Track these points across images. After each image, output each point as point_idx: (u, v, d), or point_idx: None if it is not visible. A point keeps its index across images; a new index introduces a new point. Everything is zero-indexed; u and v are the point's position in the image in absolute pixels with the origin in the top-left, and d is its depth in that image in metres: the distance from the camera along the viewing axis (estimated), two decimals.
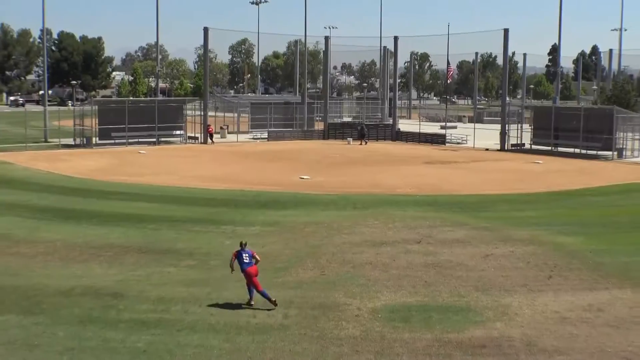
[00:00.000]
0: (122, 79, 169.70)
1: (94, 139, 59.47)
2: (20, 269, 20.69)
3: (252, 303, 17.48)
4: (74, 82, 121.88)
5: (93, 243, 24.00)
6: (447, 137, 67.85)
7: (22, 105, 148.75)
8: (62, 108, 79.64)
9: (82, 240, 24.36)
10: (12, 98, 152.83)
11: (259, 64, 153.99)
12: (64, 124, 62.07)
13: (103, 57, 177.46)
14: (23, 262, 21.45)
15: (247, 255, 17.55)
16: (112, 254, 22.60)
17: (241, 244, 17.85)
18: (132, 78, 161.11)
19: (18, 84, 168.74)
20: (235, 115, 76.24)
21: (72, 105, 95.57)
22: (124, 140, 60.57)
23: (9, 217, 28.85)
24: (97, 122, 60.12)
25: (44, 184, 38.63)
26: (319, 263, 21.68)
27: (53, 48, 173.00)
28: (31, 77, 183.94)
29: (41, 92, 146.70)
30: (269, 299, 17.42)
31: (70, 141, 61.78)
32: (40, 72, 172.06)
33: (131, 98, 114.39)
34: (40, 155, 52.74)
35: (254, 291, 17.49)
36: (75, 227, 26.81)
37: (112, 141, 60.39)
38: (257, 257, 17.77)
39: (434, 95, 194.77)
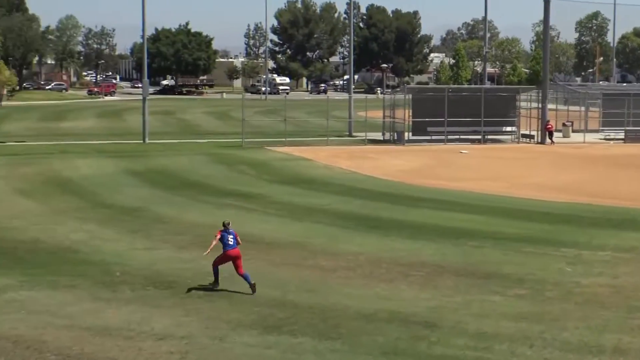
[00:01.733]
0: (441, 62, 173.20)
1: (406, 134, 61.35)
2: (317, 284, 21.92)
3: (218, 285, 20.90)
4: (385, 65, 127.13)
5: (402, 260, 24.73)
6: None
7: (324, 92, 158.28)
8: (369, 96, 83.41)
9: (389, 256, 25.21)
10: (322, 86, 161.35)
11: (615, 44, 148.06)
12: (371, 115, 64.96)
13: (419, 36, 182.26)
14: (321, 277, 22.72)
15: (231, 236, 20.53)
16: (424, 274, 23.10)
17: (224, 224, 20.74)
18: (454, 61, 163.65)
19: (320, 66, 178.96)
20: (583, 109, 74.26)
21: (381, 94, 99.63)
22: (441, 137, 61.80)
23: (307, 223, 30.76)
24: (410, 114, 61.98)
25: (346, 185, 40.64)
26: None
27: (361, 25, 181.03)
28: (335, 59, 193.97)
29: (346, 77, 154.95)
30: (250, 283, 20.62)
31: (378, 136, 64.45)
32: (346, 53, 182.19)
33: (452, 85, 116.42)
34: (342, 152, 55.58)
35: (217, 272, 20.90)
36: (382, 239, 27.84)
37: (428, 137, 61.92)
38: (239, 239, 20.87)
39: None
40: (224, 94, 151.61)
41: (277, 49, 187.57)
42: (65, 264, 24.01)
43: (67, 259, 24.62)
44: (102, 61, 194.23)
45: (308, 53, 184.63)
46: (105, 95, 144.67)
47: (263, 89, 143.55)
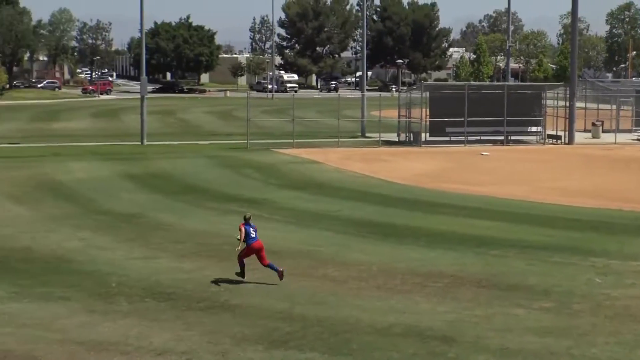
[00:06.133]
0: (461, 57, 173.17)
1: (423, 134, 61.35)
2: (327, 296, 21.95)
3: (244, 278, 22.71)
4: (400, 61, 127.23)
5: (418, 270, 24.75)
6: None
7: (335, 89, 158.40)
8: (383, 94, 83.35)
9: (405, 266, 25.24)
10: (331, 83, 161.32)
11: None
12: (385, 114, 65.00)
13: (437, 29, 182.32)
14: (331, 289, 22.74)
15: (253, 229, 22.42)
16: (443, 285, 23.12)
17: (245, 218, 22.60)
18: (475, 56, 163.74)
19: (330, 62, 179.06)
20: (614, 107, 74.11)
21: (396, 91, 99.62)
22: (461, 138, 61.81)
23: (316, 230, 30.83)
24: (427, 113, 61.99)
25: (358, 190, 40.71)
26: None
27: (374, 17, 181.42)
28: (347, 54, 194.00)
29: (358, 73, 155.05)
30: (277, 270, 22.62)
31: (392, 137, 64.49)
32: (358, 48, 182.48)
33: (473, 83, 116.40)
34: (355, 154, 55.66)
35: (243, 265, 22.70)
36: (396, 247, 27.89)
37: (446, 138, 61.94)
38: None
39: None
40: (228, 92, 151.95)
41: (284, 43, 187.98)
42: (58, 274, 24.10)
43: (60, 269, 24.71)
44: (98, 57, 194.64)
45: (318, 48, 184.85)
46: (101, 94, 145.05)
47: (269, 86, 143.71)
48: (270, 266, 22.81)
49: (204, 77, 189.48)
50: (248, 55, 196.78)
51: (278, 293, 21.91)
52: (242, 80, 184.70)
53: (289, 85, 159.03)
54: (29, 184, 42.21)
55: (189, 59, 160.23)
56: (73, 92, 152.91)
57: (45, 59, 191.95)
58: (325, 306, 21.03)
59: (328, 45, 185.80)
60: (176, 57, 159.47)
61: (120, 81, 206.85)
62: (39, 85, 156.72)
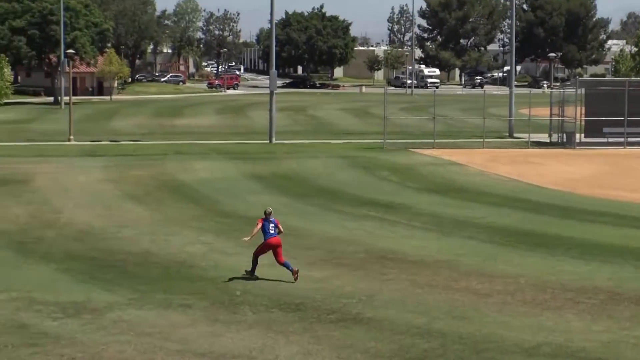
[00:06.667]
0: (621, 50, 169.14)
1: (577, 135, 60.31)
2: (469, 311, 21.75)
3: (255, 275, 24.02)
4: (552, 54, 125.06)
5: (571, 284, 24.31)
6: None
7: (480, 85, 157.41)
8: (534, 91, 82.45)
9: (556, 279, 24.85)
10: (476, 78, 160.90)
11: None
12: (536, 113, 64.24)
13: (594, 20, 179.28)
14: (473, 302, 22.53)
15: (272, 225, 23.64)
16: (598, 302, 22.65)
17: (266, 213, 23.83)
18: (637, 49, 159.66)
19: (475, 56, 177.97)
20: None
21: (548, 88, 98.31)
22: (620, 140, 60.49)
23: (458, 238, 30.62)
24: (583, 111, 60.88)
25: (505, 195, 40.34)
26: None
27: (524, 7, 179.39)
28: (493, 47, 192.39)
29: (506, 68, 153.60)
30: (292, 270, 23.68)
31: (543, 137, 63.62)
32: (506, 40, 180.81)
33: (634, 78, 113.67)
34: (501, 156, 55.13)
35: (256, 263, 24.10)
36: (547, 259, 27.47)
37: (604, 140, 60.68)
38: (281, 227, 24.00)
39: None
40: (363, 87, 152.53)
41: (425, 35, 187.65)
42: (179, 280, 24.55)
43: (181, 275, 25.17)
44: (225, 50, 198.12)
45: (462, 40, 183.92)
46: (228, 89, 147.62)
47: (408, 81, 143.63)
48: (285, 264, 23.89)
49: (338, 71, 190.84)
50: (385, 48, 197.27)
51: (415, 306, 21.81)
52: (379, 75, 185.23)
53: (429, 80, 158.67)
54: (150, 183, 43.20)
55: (321, 51, 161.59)
56: (198, 87, 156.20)
57: (169, 51, 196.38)
58: (467, 322, 20.84)
59: (473, 37, 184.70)
60: (308, 49, 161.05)
61: (248, 75, 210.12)
62: (162, 79, 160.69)
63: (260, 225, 23.76)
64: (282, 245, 23.78)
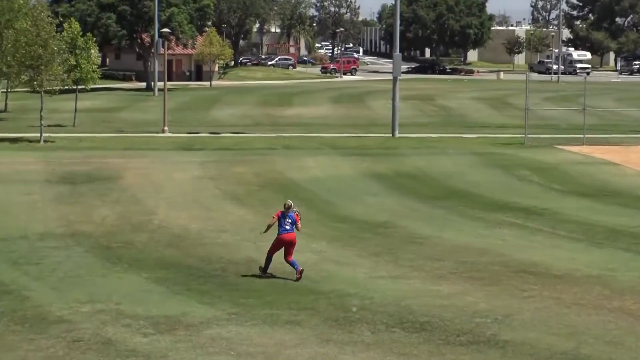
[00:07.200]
0: None
1: None
2: (623, 335, 21.34)
3: (269, 273, 25.65)
4: None
5: None
6: None
7: (639, 72, 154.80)
8: None
9: None
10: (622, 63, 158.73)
11: None
12: None
13: None
14: (629, 326, 22.12)
15: (289, 220, 25.01)
16: None
17: (285, 206, 25.18)
18: None
19: (634, 37, 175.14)
20: None
21: None
22: None
23: (611, 250, 30.28)
24: None
25: None
26: None
27: None
28: None
29: None
30: (297, 269, 25.22)
31: None
32: None
33: None
34: None
35: (270, 261, 25.58)
36: None
37: None
38: (299, 225, 25.36)
39: None
40: (502, 73, 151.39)
41: (574, 13, 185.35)
42: (286, 292, 24.67)
43: (288, 287, 25.30)
44: (341, 29, 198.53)
45: (618, 19, 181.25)
46: (344, 74, 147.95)
47: (555, 67, 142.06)
48: (291, 263, 25.45)
49: (472, 55, 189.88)
50: (528, 28, 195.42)
51: (560, 327, 21.56)
52: (520, 59, 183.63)
53: (579, 65, 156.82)
54: (255, 182, 43.58)
55: (453, 31, 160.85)
56: (310, 72, 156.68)
57: (278, 30, 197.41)
58: (621, 348, 20.53)
59: (631, 15, 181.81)
60: (438, 29, 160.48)
61: (367, 59, 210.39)
62: (269, 63, 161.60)
63: (275, 219, 25.35)
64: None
